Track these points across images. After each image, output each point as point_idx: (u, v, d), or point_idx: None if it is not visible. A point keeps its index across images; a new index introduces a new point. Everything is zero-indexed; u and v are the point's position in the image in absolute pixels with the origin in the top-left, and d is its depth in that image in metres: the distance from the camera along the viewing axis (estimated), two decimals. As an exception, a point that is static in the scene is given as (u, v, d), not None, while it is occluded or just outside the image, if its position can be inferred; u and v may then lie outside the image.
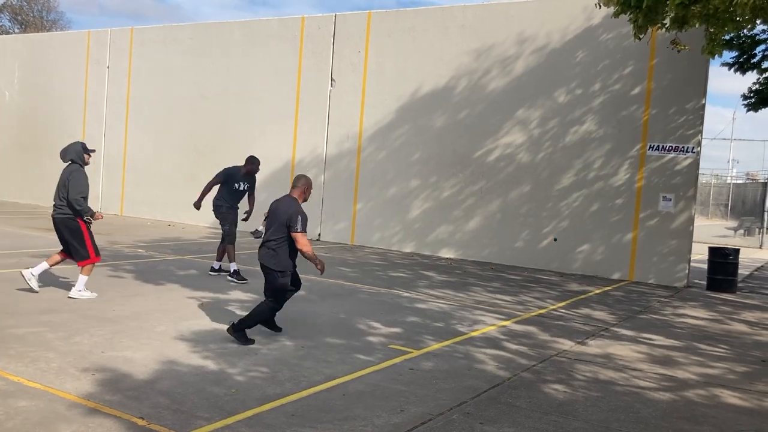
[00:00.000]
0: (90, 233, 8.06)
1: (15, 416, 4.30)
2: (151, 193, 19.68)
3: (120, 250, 12.48)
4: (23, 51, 22.90)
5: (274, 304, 6.70)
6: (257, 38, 17.90)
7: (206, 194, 10.29)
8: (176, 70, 19.16)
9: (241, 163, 10.51)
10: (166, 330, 6.76)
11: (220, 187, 10.27)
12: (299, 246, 6.48)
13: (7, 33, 47.33)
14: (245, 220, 10.33)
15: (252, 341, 6.45)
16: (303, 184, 6.80)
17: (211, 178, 10.39)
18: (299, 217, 6.45)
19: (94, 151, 8.54)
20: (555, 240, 6.08)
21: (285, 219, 6.50)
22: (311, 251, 6.52)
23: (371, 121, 16.07)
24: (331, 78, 16.61)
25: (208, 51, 18.65)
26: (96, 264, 8.21)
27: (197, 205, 10.24)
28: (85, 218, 7.93)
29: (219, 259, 10.39)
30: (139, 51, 19.95)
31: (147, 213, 19.72)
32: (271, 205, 6.83)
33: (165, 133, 19.40)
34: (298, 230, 6.43)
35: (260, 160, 10.51)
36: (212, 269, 10.46)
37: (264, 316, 6.69)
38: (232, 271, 9.99)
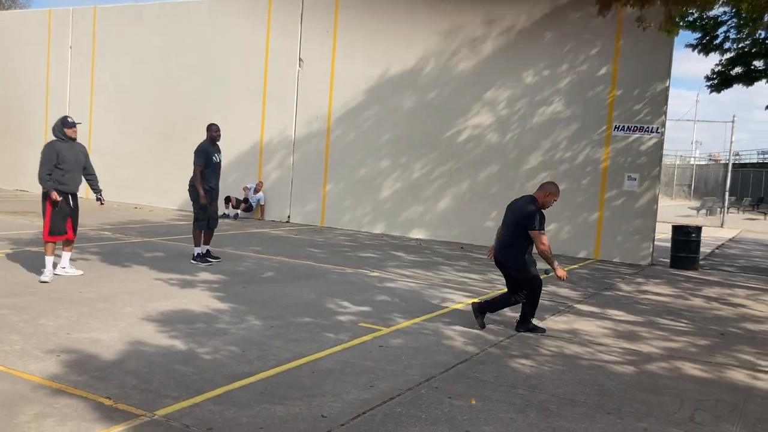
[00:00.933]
0: (53, 212, 7.89)
1: (-22, 398, 4.24)
2: (117, 176, 19.32)
3: (85, 232, 12.28)
4: (-19, 30, 22.25)
5: (522, 298, 6.78)
6: (224, 17, 17.64)
7: (206, 181, 9.68)
8: (142, 50, 18.81)
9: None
10: (133, 311, 6.70)
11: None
12: (538, 244, 6.61)
13: (-36, 12, 45.85)
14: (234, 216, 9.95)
15: (543, 330, 6.86)
16: (548, 190, 6.89)
17: (194, 167, 9.68)
18: (536, 216, 6.60)
19: (78, 123, 8.34)
20: (547, 273, 6.40)
21: (521, 217, 6.64)
22: (549, 251, 6.62)
23: (340, 102, 15.99)
24: (300, 58, 16.46)
25: (174, 30, 18.33)
26: (55, 244, 7.97)
27: (207, 201, 9.67)
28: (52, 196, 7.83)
29: (206, 243, 10.00)
30: (102, 30, 19.53)
31: (113, 196, 19.36)
32: (508, 205, 7.07)
33: (131, 114, 19.06)
34: (536, 228, 6.57)
35: (226, 136, 10.17)
36: (198, 256, 9.85)
37: (508, 305, 6.90)
38: (196, 254, 9.84)
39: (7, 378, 4.63)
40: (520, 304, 6.92)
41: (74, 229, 8.28)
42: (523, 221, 6.65)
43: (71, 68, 20.09)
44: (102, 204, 8.75)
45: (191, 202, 9.98)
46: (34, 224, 12.85)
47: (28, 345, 5.38)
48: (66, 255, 8.29)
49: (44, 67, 20.60)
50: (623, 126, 13.17)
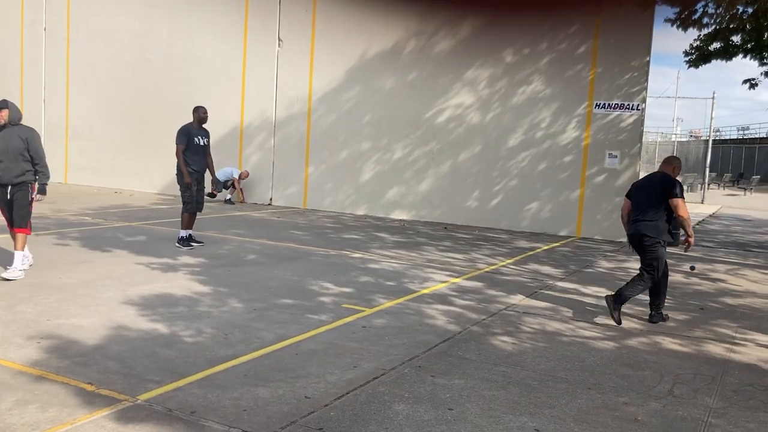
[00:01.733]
0: None
1: (-43, 386, 4.20)
2: (96, 160, 19.14)
3: (65, 218, 12.16)
4: (-48, 13, 21.75)
5: (650, 278, 6.74)
6: (201, -2, 17.38)
7: (186, 164, 9.50)
8: (118, 32, 18.51)
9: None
10: (114, 296, 6.66)
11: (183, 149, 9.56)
12: (679, 211, 6.58)
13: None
14: (212, 195, 9.79)
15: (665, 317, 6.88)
16: (674, 164, 6.93)
17: (176, 147, 9.49)
18: (677, 185, 6.64)
19: (3, 107, 7.23)
20: (692, 269, 6.81)
21: (663, 188, 6.65)
22: (689, 218, 6.64)
23: (321, 83, 15.88)
24: (279, 38, 16.30)
25: (151, 13, 18.04)
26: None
27: (190, 181, 9.50)
28: None
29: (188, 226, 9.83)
30: (77, 12, 19.17)
31: (93, 180, 19.21)
32: (634, 184, 7.11)
33: (108, 97, 18.80)
34: (678, 195, 6.57)
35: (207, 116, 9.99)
36: (182, 239, 9.75)
37: (638, 292, 6.82)
38: (180, 237, 9.78)
39: (-13, 365, 4.59)
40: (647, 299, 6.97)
41: (13, 223, 7.44)
42: (665, 191, 6.64)
43: (46, 50, 19.74)
44: (37, 200, 7.63)
45: (179, 187, 9.79)
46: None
47: (8, 332, 5.34)
48: (17, 255, 7.32)
49: (18, 49, 20.22)
50: (603, 104, 13.22)
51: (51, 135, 19.82)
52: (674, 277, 9.53)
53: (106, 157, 18.93)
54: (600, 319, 6.82)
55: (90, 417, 3.87)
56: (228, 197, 16.42)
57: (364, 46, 15.34)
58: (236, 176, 16.46)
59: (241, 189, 16.70)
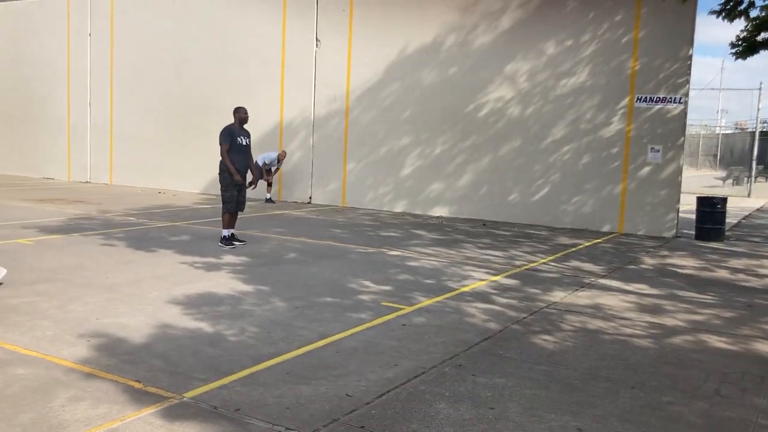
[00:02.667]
0: None
1: (14, 383, 4.36)
2: (139, 161, 19.58)
3: (111, 218, 12.48)
4: (3, 20, 22.49)
5: None
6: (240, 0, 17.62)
7: (232, 163, 9.60)
8: (159, 34, 18.89)
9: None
10: (159, 295, 6.81)
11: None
12: None
13: (-15, 2, 46.24)
14: (253, 188, 9.88)
15: None
16: None
17: (221, 147, 9.60)
18: None
19: None
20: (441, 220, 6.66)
21: None
22: None
23: (359, 81, 15.94)
24: (316, 38, 16.41)
25: (191, 14, 18.36)
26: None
27: (240, 180, 9.65)
28: None
29: (231, 226, 10.00)
30: (120, 16, 19.63)
31: (137, 181, 19.65)
32: None
33: (151, 99, 19.21)
34: None
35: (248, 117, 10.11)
36: (224, 239, 9.90)
37: None
38: (222, 236, 9.93)
39: (42, 363, 4.76)
40: None
41: None
42: None
43: (91, 55, 20.25)
44: None
45: (220, 186, 9.90)
46: (62, 211, 13.07)
47: (60, 330, 5.51)
48: None
49: (65, 55, 20.78)
50: (646, 97, 12.98)
51: (96, 137, 20.35)
52: (720, 274, 9.33)
53: (149, 158, 19.34)
54: (643, 317, 6.72)
55: (138, 414, 3.98)
56: (267, 196, 16.62)
57: (403, 42, 15.34)
58: (274, 160, 16.31)
59: (275, 170, 16.66)
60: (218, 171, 9.88)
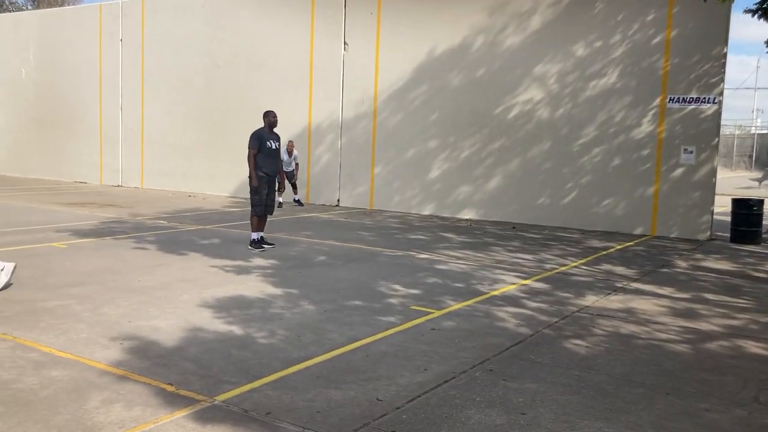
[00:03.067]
0: None
1: (49, 385, 4.43)
2: (170, 165, 19.82)
3: (142, 222, 12.64)
4: (37, 27, 22.95)
5: None
6: (268, 3, 17.74)
7: (259, 168, 9.68)
8: (188, 39, 19.11)
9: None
10: (190, 298, 6.87)
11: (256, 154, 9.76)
12: None
13: (21, 10, 47.37)
14: (281, 191, 9.94)
15: None
16: None
17: (248, 151, 9.70)
18: None
19: None
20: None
21: None
22: None
23: (386, 84, 15.95)
24: (344, 41, 16.46)
25: (219, 19, 18.55)
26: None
27: (257, 184, 9.68)
28: None
29: (260, 229, 10.08)
30: (151, 22, 19.90)
31: (167, 184, 19.89)
32: None
33: (180, 103, 19.44)
34: None
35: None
36: (253, 242, 9.98)
37: None
38: (252, 239, 9.99)
39: (76, 365, 4.82)
40: None
41: None
42: None
43: (122, 61, 20.56)
44: None
45: (249, 190, 9.96)
46: (94, 215, 13.28)
47: (93, 333, 5.59)
48: None
49: (97, 61, 21.13)
50: (678, 97, 12.77)
51: (128, 141, 20.66)
52: (756, 277, 9.13)
53: (179, 161, 19.56)
54: (677, 322, 6.60)
55: (171, 417, 4.01)
56: (296, 197, 16.64)
57: (430, 44, 15.31)
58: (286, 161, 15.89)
59: (297, 164, 16.33)
60: (248, 174, 9.95)
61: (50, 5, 45.90)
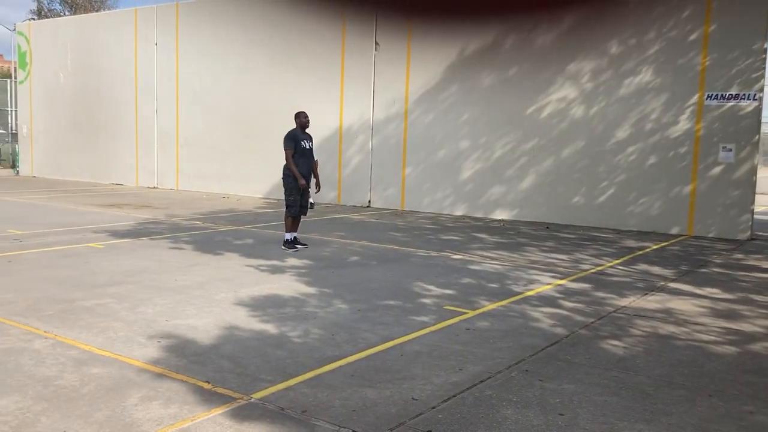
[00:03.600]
0: None
1: (89, 382, 4.50)
2: (204, 167, 20.05)
3: (178, 222, 12.80)
4: (74, 32, 23.41)
5: None
6: (300, 6, 17.83)
7: (296, 166, 9.75)
8: (222, 42, 19.31)
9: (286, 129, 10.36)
10: (226, 297, 6.93)
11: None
12: None
13: (59, 16, 48.42)
14: (317, 191, 10.10)
15: None
16: None
17: (285, 152, 9.76)
18: None
19: None
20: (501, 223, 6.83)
21: None
22: None
23: (417, 84, 15.92)
24: (375, 42, 16.47)
25: (252, 22, 18.71)
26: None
27: (304, 185, 9.79)
28: None
29: (294, 230, 10.15)
30: (185, 26, 20.16)
31: (202, 186, 20.13)
32: None
33: (214, 106, 19.65)
34: None
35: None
36: (287, 242, 10.04)
37: None
38: (285, 239, 10.05)
39: (115, 363, 4.89)
40: None
41: None
42: None
43: (157, 64, 20.87)
44: None
45: (283, 190, 10.01)
46: (130, 216, 13.49)
47: (131, 332, 5.67)
48: None
49: (132, 64, 21.48)
50: (716, 94, 12.51)
51: (163, 144, 20.95)
52: (800, 277, 8.90)
53: (213, 163, 19.78)
54: (718, 322, 6.45)
55: (208, 414, 4.04)
56: (310, 201, 16.03)
57: (461, 44, 15.24)
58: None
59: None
60: (282, 175, 10.01)
61: (87, 11, 46.85)
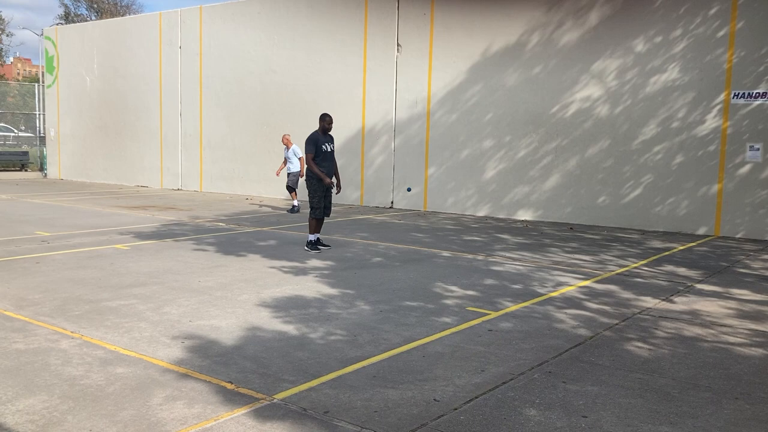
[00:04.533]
0: None
1: (115, 381, 4.56)
2: (228, 169, 20.21)
3: (202, 224, 12.91)
4: (101, 37, 23.74)
5: None
6: (322, 8, 17.90)
7: (318, 167, 9.81)
8: (245, 45, 19.46)
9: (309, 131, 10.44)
10: (249, 298, 6.98)
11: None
12: None
13: (85, 21, 49.12)
14: (337, 193, 10.20)
15: None
16: None
17: (306, 155, 9.83)
18: None
19: None
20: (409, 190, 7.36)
21: None
22: None
23: (440, 84, 15.89)
24: (397, 43, 16.47)
25: (275, 24, 18.82)
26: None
27: (331, 183, 9.88)
28: None
29: (316, 231, 10.20)
30: (208, 29, 20.35)
31: (225, 188, 20.28)
32: None
33: (237, 108, 19.80)
34: None
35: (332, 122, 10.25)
36: (310, 243, 10.10)
37: None
38: (309, 240, 10.09)
39: (140, 363, 4.95)
40: None
41: None
42: None
43: (181, 67, 21.08)
44: None
45: (307, 192, 10.07)
46: (155, 218, 13.64)
47: (156, 332, 5.73)
48: None
49: (157, 68, 21.73)
50: (743, 93, 12.31)
51: (187, 146, 21.16)
52: (831, 278, 8.72)
53: (237, 165, 19.93)
54: (746, 324, 6.35)
55: (231, 414, 4.07)
56: (295, 204, 15.43)
57: (485, 43, 15.18)
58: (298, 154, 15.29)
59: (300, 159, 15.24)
60: (305, 178, 10.06)
61: (113, 16, 47.50)
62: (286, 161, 15.59)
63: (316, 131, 9.99)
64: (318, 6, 18.01)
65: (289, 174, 15.56)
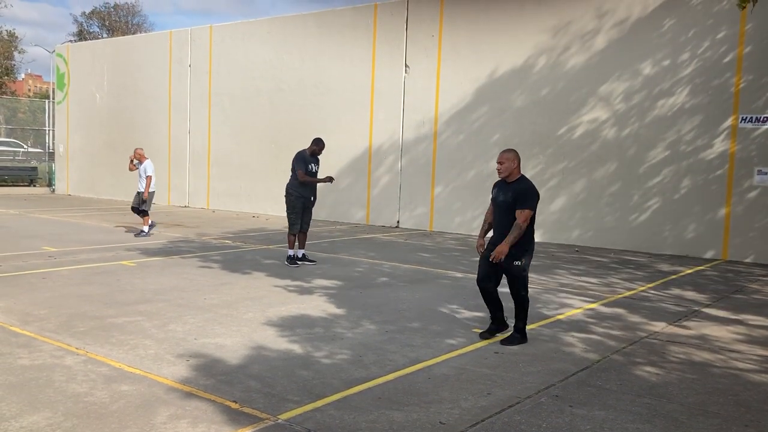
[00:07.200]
0: None
1: (119, 399, 4.53)
2: (235, 186, 20.26)
3: (208, 241, 12.92)
4: (111, 54, 23.96)
5: None
6: (331, 28, 18.04)
7: (301, 186, 10.40)
8: (254, 64, 19.59)
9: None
10: (254, 317, 6.96)
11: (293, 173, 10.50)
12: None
13: (97, 38, 49.68)
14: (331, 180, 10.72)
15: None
16: None
17: (300, 171, 10.31)
18: None
19: None
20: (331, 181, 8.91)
21: None
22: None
23: (447, 105, 15.94)
24: (405, 64, 16.56)
25: (284, 44, 18.96)
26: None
27: (332, 178, 10.65)
28: None
29: (301, 246, 10.61)
30: (218, 48, 20.51)
31: (232, 205, 20.32)
32: None
33: (246, 127, 19.90)
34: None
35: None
36: (290, 258, 10.40)
37: None
38: (289, 256, 10.36)
39: (144, 381, 4.93)
40: None
41: None
42: None
43: (191, 86, 21.23)
44: None
45: (285, 208, 10.52)
46: (162, 234, 13.65)
47: (161, 350, 5.71)
48: None
49: (166, 85, 21.89)
50: (752, 117, 12.30)
51: (195, 163, 21.24)
52: (841, 304, 8.64)
53: (244, 183, 19.98)
54: (755, 350, 6.28)
55: (235, 434, 4.04)
56: (144, 229, 13.35)
57: (492, 65, 15.25)
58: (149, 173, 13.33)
59: (149, 177, 13.42)
60: (284, 194, 10.51)
61: (124, 34, 48.00)
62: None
63: (304, 150, 10.55)
64: (327, 26, 18.15)
65: (138, 193, 13.47)
